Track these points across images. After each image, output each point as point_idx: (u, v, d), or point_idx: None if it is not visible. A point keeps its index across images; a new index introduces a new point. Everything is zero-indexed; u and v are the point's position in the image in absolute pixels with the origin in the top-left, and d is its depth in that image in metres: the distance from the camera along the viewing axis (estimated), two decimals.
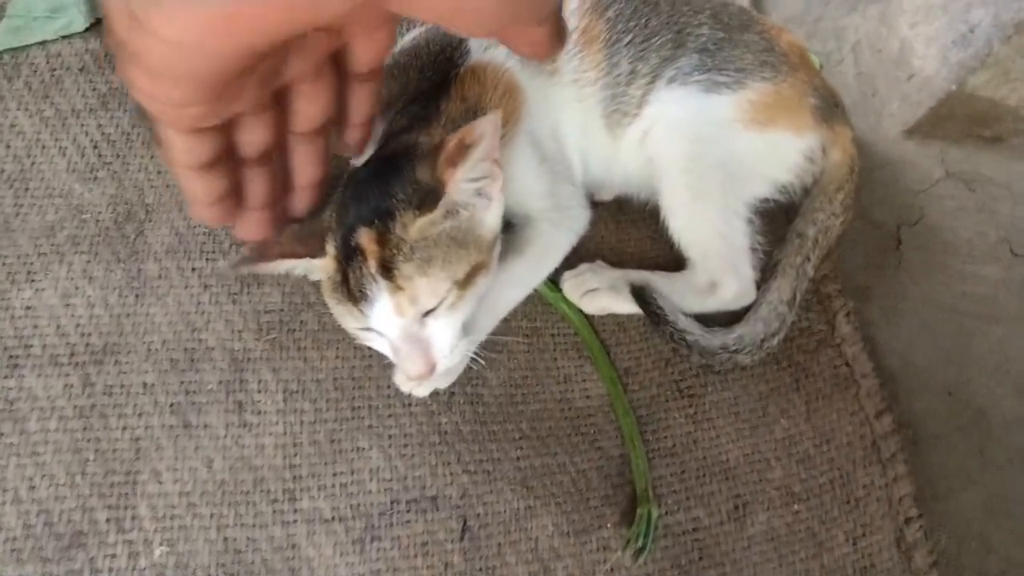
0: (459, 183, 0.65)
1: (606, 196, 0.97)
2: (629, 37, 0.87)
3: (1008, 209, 1.04)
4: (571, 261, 0.88)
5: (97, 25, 0.93)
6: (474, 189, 0.68)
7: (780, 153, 0.91)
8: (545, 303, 0.88)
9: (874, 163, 1.06)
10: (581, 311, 0.88)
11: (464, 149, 0.64)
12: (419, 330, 0.67)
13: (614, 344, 0.88)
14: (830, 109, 0.93)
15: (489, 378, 0.82)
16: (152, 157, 0.85)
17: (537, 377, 0.84)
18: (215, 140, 0.44)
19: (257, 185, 0.51)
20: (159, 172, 0.84)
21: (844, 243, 0.96)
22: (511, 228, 0.84)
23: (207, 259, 0.80)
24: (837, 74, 1.16)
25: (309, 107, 0.48)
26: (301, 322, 0.78)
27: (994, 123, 1.04)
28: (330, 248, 0.67)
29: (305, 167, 0.53)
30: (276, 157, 0.51)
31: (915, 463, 0.88)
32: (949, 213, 1.04)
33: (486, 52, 0.81)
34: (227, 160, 0.47)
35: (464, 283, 0.68)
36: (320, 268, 0.69)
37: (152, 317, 0.76)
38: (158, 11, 0.33)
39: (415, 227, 0.65)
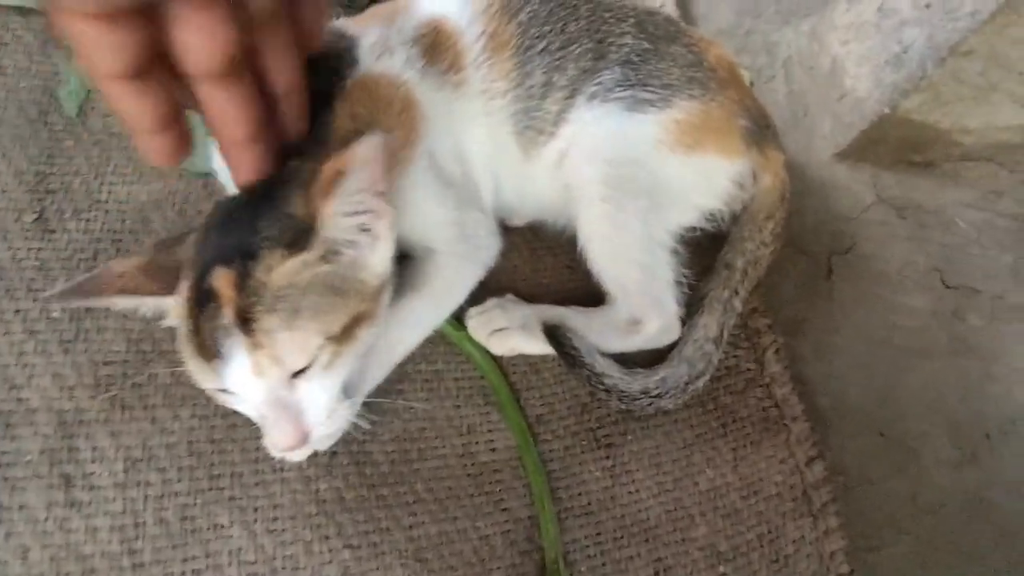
0: (333, 218, 0.55)
1: (519, 221, 0.88)
2: (543, 44, 0.77)
3: (939, 237, 1.00)
4: (479, 294, 0.78)
5: None
6: (355, 225, 0.58)
7: (708, 178, 0.84)
8: (448, 343, 0.79)
9: (805, 188, 1.01)
10: (488, 352, 0.78)
11: (338, 177, 0.53)
12: (287, 394, 0.56)
13: (525, 388, 0.79)
14: (761, 131, 0.86)
15: (380, 432, 0.71)
16: None
17: (437, 429, 0.74)
18: (142, 33, 0.38)
19: (235, 109, 0.45)
20: None
21: (773, 272, 0.90)
22: (407, 260, 0.74)
23: (34, 299, 0.66)
24: (768, 91, 1.10)
25: None
26: (150, 376, 0.66)
27: (926, 148, 1.00)
28: (183, 288, 0.55)
29: (278, 65, 0.47)
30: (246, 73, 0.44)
31: (847, 512, 0.82)
32: (880, 241, 0.99)
33: (378, 61, 0.71)
34: (166, 72, 0.41)
35: (342, 337, 0.57)
36: (172, 311, 0.57)
37: None
38: None
39: (281, 271, 0.54)
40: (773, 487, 0.81)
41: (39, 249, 0.69)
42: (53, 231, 0.70)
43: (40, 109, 0.76)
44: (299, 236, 0.55)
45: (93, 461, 0.62)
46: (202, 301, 0.54)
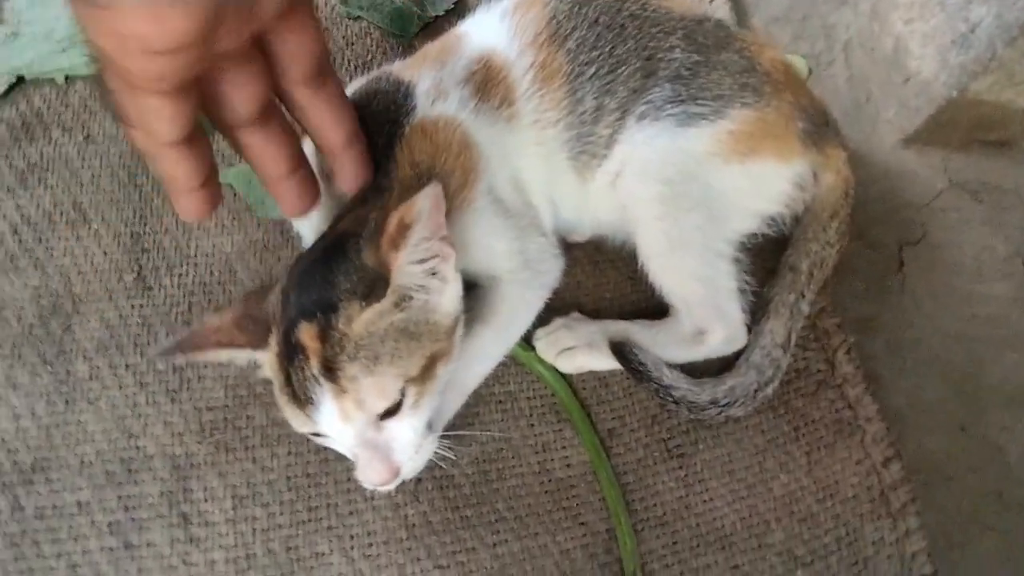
0: (403, 267, 0.58)
1: (580, 238, 0.89)
2: (593, 69, 0.78)
3: (1019, 219, 0.96)
4: (545, 312, 0.81)
5: (10, 93, 0.85)
6: (423, 271, 0.61)
7: (766, 184, 0.83)
8: (519, 364, 0.82)
9: (870, 177, 0.98)
10: (558, 370, 0.81)
11: (404, 229, 0.56)
12: (376, 434, 0.60)
13: (595, 403, 0.82)
14: (819, 130, 0.84)
15: (460, 456, 0.75)
16: (79, 238, 0.79)
17: (513, 449, 0.78)
18: (194, 103, 0.43)
19: (272, 148, 0.52)
20: (86, 255, 0.78)
21: (841, 269, 0.88)
22: (474, 291, 0.77)
23: (141, 353, 0.73)
24: (827, 78, 1.07)
25: (299, 40, 0.48)
26: (248, 417, 0.72)
27: (1000, 127, 0.96)
28: (273, 344, 0.60)
29: (325, 123, 0.54)
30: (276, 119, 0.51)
31: (928, 511, 0.81)
32: (954, 228, 0.96)
33: (434, 106, 0.73)
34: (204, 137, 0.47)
35: (422, 377, 0.61)
36: (265, 364, 0.63)
37: (84, 425, 0.70)
38: None
39: (360, 321, 0.58)
40: (849, 489, 0.81)
41: (141, 306, 0.76)
42: (151, 288, 0.77)
43: (129, 172, 0.83)
44: (373, 286, 0.58)
45: (206, 500, 0.69)
46: (291, 355, 0.58)
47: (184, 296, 0.77)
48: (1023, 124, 0.95)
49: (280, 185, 0.56)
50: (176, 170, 0.46)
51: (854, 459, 0.82)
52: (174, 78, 0.40)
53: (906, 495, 0.81)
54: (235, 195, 0.84)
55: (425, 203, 0.57)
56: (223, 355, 0.62)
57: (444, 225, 0.61)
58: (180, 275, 0.78)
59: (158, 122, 0.42)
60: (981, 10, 0.87)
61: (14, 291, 0.75)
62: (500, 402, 0.80)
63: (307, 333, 0.58)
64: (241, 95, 0.47)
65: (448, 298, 0.64)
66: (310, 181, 0.58)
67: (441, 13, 1.01)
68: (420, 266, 0.60)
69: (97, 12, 0.36)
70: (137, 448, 0.70)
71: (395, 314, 0.59)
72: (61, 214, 0.80)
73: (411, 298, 0.61)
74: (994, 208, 0.97)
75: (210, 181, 0.50)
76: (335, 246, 0.62)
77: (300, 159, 0.57)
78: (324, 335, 0.57)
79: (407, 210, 0.57)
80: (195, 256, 0.79)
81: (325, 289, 0.59)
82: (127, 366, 0.73)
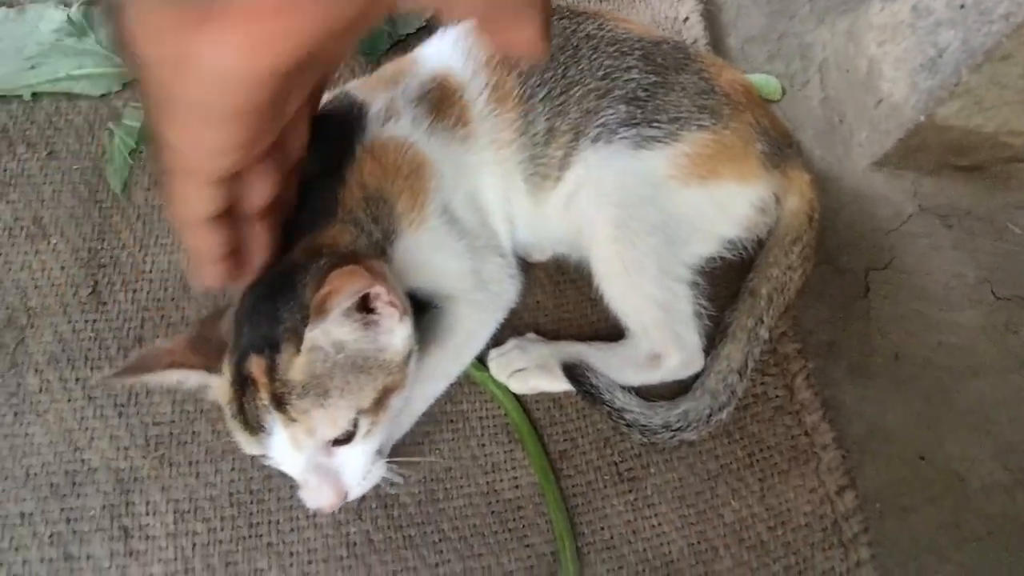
0: (324, 331, 0.58)
1: (540, 257, 0.89)
2: (544, 91, 0.79)
3: (989, 245, 0.95)
4: (503, 331, 0.82)
5: None
6: (358, 326, 0.61)
7: (726, 207, 0.83)
8: (472, 383, 0.82)
9: (840, 201, 0.97)
10: (511, 391, 0.81)
11: (324, 304, 0.55)
12: (327, 459, 0.62)
13: (548, 424, 0.82)
14: (782, 152, 0.84)
15: (407, 475, 0.75)
16: (37, 252, 0.80)
17: (462, 468, 0.78)
18: (228, 188, 0.46)
19: (262, 237, 0.56)
20: (44, 269, 0.79)
21: (806, 293, 0.88)
22: (428, 310, 0.77)
23: (92, 367, 0.74)
24: (802, 98, 1.06)
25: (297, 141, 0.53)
26: (194, 433, 0.73)
27: (971, 152, 0.94)
28: (226, 372, 0.61)
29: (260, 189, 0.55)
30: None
31: (883, 540, 0.80)
32: (923, 253, 0.94)
33: (385, 127, 0.74)
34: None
35: (375, 408, 0.62)
36: (217, 390, 0.64)
37: (32, 438, 0.71)
38: (206, 27, 0.34)
39: (296, 367, 0.58)
40: (802, 517, 0.80)
41: (94, 321, 0.77)
42: (105, 303, 0.78)
43: (90, 188, 0.84)
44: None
45: (147, 514, 0.70)
46: (243, 385, 0.59)
47: (137, 311, 0.78)
48: (993, 150, 0.93)
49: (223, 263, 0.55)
50: (205, 243, 0.50)
51: (808, 487, 0.82)
52: (225, 171, 0.44)
53: (859, 525, 0.80)
54: None
55: (345, 298, 0.56)
56: (174, 376, 0.63)
57: (391, 291, 0.60)
58: (135, 291, 0.79)
59: (199, 202, 0.46)
60: (949, 34, 0.86)
61: None
62: (452, 421, 0.80)
63: (257, 367, 0.59)
64: (263, 183, 0.51)
65: (398, 339, 0.64)
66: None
67: (412, 31, 1.02)
68: (344, 330, 0.60)
69: (178, 116, 0.39)
70: (82, 461, 0.71)
71: (335, 356, 0.60)
72: (21, 228, 0.81)
73: (343, 347, 0.60)
74: (964, 233, 0.96)
75: (231, 256, 0.53)
76: (284, 278, 0.62)
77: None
78: (271, 371, 0.58)
79: (337, 287, 0.55)
80: (151, 272, 0.80)
81: (271, 325, 0.59)
82: (77, 380, 0.74)
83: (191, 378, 0.64)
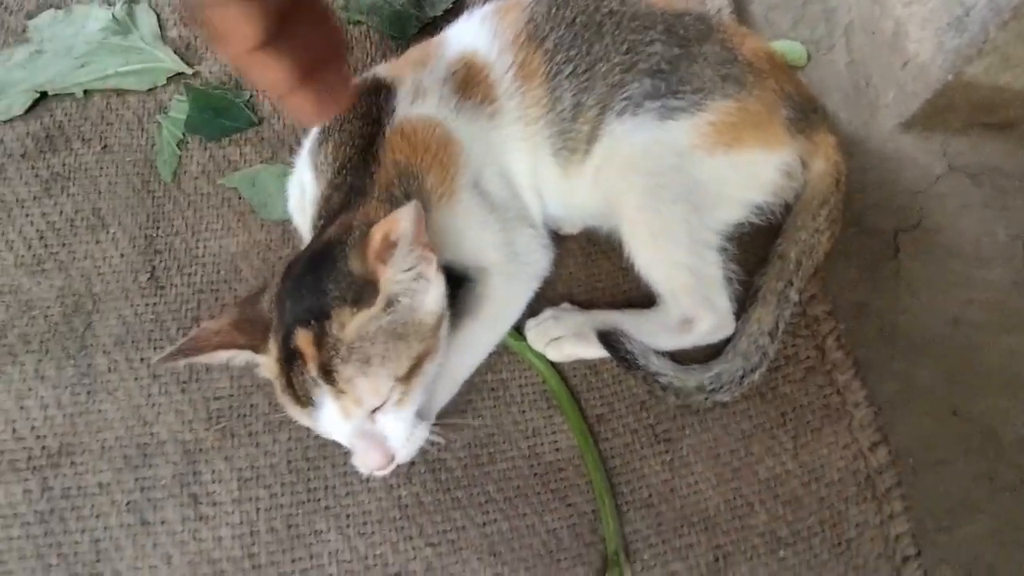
0: (391, 278, 0.62)
1: (571, 229, 0.92)
2: (571, 68, 0.81)
3: (1020, 203, 0.95)
4: (537, 302, 0.84)
5: (34, 107, 0.92)
6: (410, 278, 0.65)
7: (752, 173, 0.84)
8: (511, 352, 0.85)
9: (868, 163, 0.98)
10: (548, 359, 0.84)
11: (390, 244, 0.61)
12: (371, 427, 0.65)
13: (585, 390, 0.85)
14: (807, 117, 0.85)
15: (452, 440, 0.79)
16: (98, 242, 0.85)
17: (504, 433, 0.82)
18: (269, 8, 0.45)
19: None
20: (105, 257, 0.84)
21: (835, 255, 0.89)
22: (465, 284, 0.80)
23: (155, 347, 0.79)
24: (828, 62, 1.06)
25: None
26: (252, 406, 0.77)
27: (1000, 109, 0.94)
28: (272, 349, 0.65)
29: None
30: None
31: (916, 494, 0.82)
32: (952, 212, 0.95)
33: (413, 107, 0.77)
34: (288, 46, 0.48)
35: (408, 376, 0.66)
36: (265, 367, 0.68)
37: (104, 414, 0.76)
38: None
39: (352, 326, 0.62)
40: (835, 473, 0.82)
41: (154, 304, 0.82)
42: (163, 287, 0.83)
43: (143, 179, 0.89)
44: (361, 292, 0.63)
45: (213, 482, 0.75)
46: (290, 359, 0.63)
47: (193, 294, 0.83)
48: (1022, 107, 0.93)
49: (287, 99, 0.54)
50: (269, 73, 0.49)
51: (841, 444, 0.84)
52: None
53: (891, 479, 0.82)
54: (240, 198, 0.89)
55: (407, 222, 0.60)
56: (223, 356, 0.67)
57: (424, 232, 0.64)
58: (189, 275, 0.84)
59: (243, 26, 0.45)
60: None
61: (40, 292, 0.82)
62: (492, 389, 0.84)
63: (303, 339, 0.62)
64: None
65: (432, 298, 0.68)
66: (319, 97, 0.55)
67: (439, 13, 1.04)
68: (406, 274, 0.64)
69: None
70: (151, 434, 0.76)
71: (383, 317, 0.64)
72: (82, 219, 0.86)
73: (398, 301, 0.65)
74: (995, 192, 0.96)
75: (308, 81, 0.50)
76: (324, 254, 0.66)
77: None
78: (319, 340, 0.62)
79: (391, 226, 0.60)
80: (203, 256, 0.85)
81: (317, 297, 0.63)
82: (142, 360, 0.79)
83: (239, 357, 0.68)
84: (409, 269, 0.64)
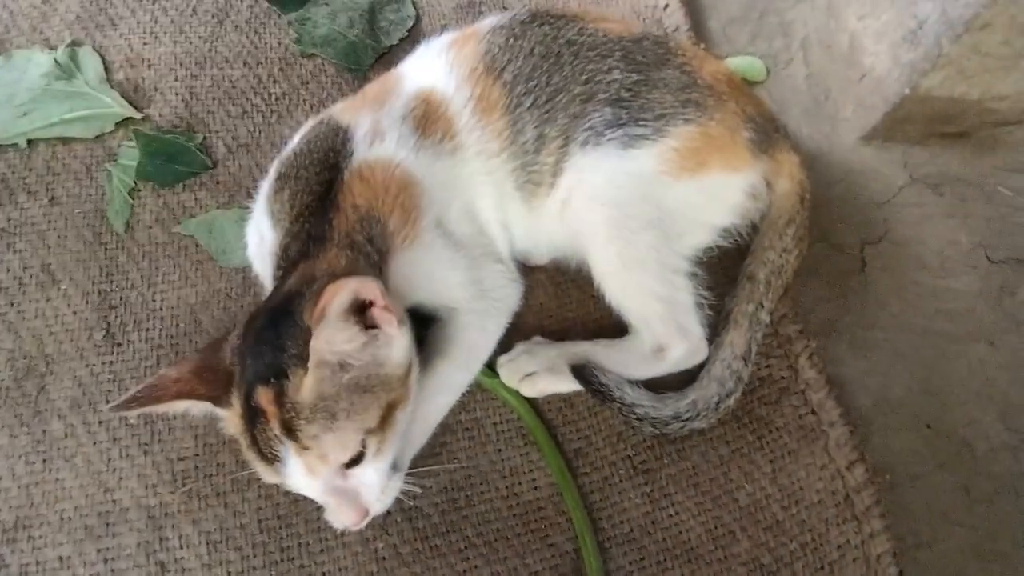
0: (322, 349, 0.60)
1: (540, 261, 0.91)
2: (531, 99, 0.80)
3: (981, 210, 0.96)
4: (509, 335, 0.83)
5: None
6: (354, 347, 0.62)
7: (718, 197, 0.84)
8: (484, 390, 0.84)
9: (832, 177, 0.98)
10: (522, 395, 0.83)
11: (321, 316, 0.58)
12: (343, 482, 0.64)
13: (561, 423, 0.84)
14: (769, 137, 0.85)
15: (428, 486, 0.77)
16: (48, 299, 0.82)
17: (481, 475, 0.80)
18: None
19: None
20: (56, 315, 0.81)
21: (804, 272, 0.89)
22: (433, 324, 0.79)
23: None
24: (786, 76, 1.07)
25: None
26: (218, 465, 0.75)
27: (957, 119, 0.95)
28: (236, 405, 0.63)
29: None
30: None
31: (894, 509, 0.83)
32: (916, 223, 0.96)
33: (372, 149, 0.75)
34: None
35: (381, 426, 0.64)
36: (228, 423, 0.66)
37: (62, 482, 0.73)
38: None
39: (304, 388, 0.60)
40: (814, 495, 0.82)
41: (111, 362, 0.79)
42: (120, 344, 0.80)
43: (94, 231, 0.86)
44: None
45: (181, 547, 0.72)
46: (253, 417, 0.61)
47: (152, 350, 0.80)
48: (979, 116, 0.94)
49: None
50: None
51: (818, 464, 0.84)
52: None
53: (870, 497, 0.82)
54: (197, 245, 0.86)
55: (339, 300, 0.58)
56: (181, 406, 0.65)
57: (383, 297, 0.62)
58: (147, 329, 0.81)
59: None
60: (927, 6, 0.87)
61: None
62: (467, 429, 0.82)
63: (264, 397, 0.60)
64: None
65: (396, 351, 0.66)
66: None
67: (395, 43, 1.02)
68: (346, 345, 0.62)
69: None
70: (113, 502, 0.73)
71: (341, 376, 0.62)
72: (31, 276, 0.83)
73: (347, 364, 0.62)
74: (956, 200, 0.97)
75: None
76: (283, 307, 0.64)
77: None
78: (279, 400, 0.60)
79: (331, 294, 0.57)
80: (161, 310, 0.82)
81: (275, 354, 0.61)
82: (100, 422, 0.76)
83: (197, 408, 0.66)
84: (348, 341, 0.62)
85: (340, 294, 0.57)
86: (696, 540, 0.79)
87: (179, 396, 0.64)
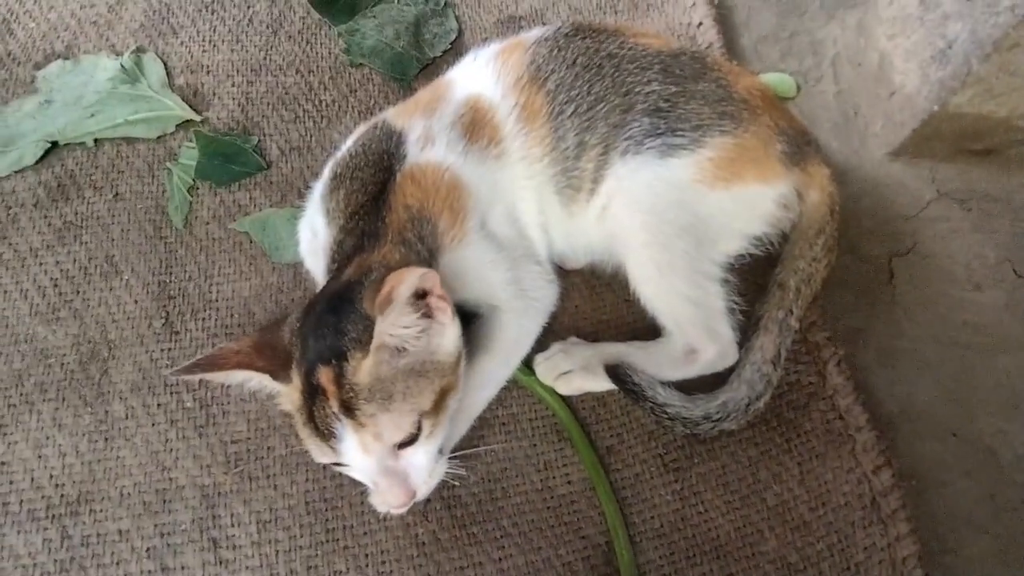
0: (385, 332, 0.63)
1: (576, 264, 0.94)
2: (572, 107, 0.83)
3: (1008, 226, 0.98)
4: (545, 336, 0.86)
5: (45, 157, 0.94)
6: (412, 332, 0.66)
7: (751, 207, 0.87)
8: (520, 387, 0.87)
9: (860, 190, 1.01)
10: (557, 392, 0.86)
11: (386, 302, 0.61)
12: (394, 462, 0.67)
13: (594, 422, 0.86)
14: (800, 150, 0.88)
15: (466, 476, 0.80)
16: (111, 289, 0.86)
17: (517, 468, 0.83)
18: None
19: None
20: (119, 304, 0.85)
21: (833, 282, 0.92)
22: (475, 320, 0.82)
23: (171, 393, 0.80)
24: (817, 93, 1.10)
25: None
26: (269, 448, 0.78)
27: (985, 136, 0.98)
28: (295, 380, 0.67)
29: None
30: None
31: (920, 515, 0.84)
32: (943, 237, 0.98)
33: (423, 152, 0.79)
34: None
35: (435, 409, 0.67)
36: (286, 398, 0.69)
37: (123, 460, 0.77)
38: None
39: (364, 369, 0.64)
40: (841, 497, 0.84)
41: (169, 349, 0.83)
42: (177, 332, 0.84)
43: (155, 226, 0.91)
44: (372, 336, 0.64)
45: (233, 525, 0.75)
46: (312, 394, 0.65)
47: (208, 338, 0.84)
48: (1007, 133, 0.97)
49: None
50: None
51: (845, 468, 0.86)
52: None
53: (897, 501, 0.83)
54: (251, 241, 0.91)
55: (406, 287, 0.61)
56: (239, 376, 0.69)
57: (439, 286, 0.66)
58: (203, 319, 0.85)
59: None
60: (957, 26, 0.89)
61: (56, 340, 0.83)
62: (504, 424, 0.85)
63: (325, 376, 0.64)
64: None
65: (448, 339, 0.70)
66: None
67: (439, 54, 1.07)
68: (405, 330, 0.65)
69: None
70: (170, 480, 0.77)
71: (398, 360, 0.65)
72: (95, 267, 0.88)
73: (404, 349, 0.66)
74: (983, 216, 0.99)
75: None
76: (344, 294, 0.68)
77: None
78: (339, 380, 0.64)
79: (398, 281, 0.61)
80: (216, 301, 0.87)
81: (336, 336, 0.65)
82: (159, 405, 0.80)
83: (254, 380, 0.69)
84: (408, 327, 0.65)
85: (406, 281, 0.61)
86: (725, 537, 0.81)
87: (239, 366, 0.67)
